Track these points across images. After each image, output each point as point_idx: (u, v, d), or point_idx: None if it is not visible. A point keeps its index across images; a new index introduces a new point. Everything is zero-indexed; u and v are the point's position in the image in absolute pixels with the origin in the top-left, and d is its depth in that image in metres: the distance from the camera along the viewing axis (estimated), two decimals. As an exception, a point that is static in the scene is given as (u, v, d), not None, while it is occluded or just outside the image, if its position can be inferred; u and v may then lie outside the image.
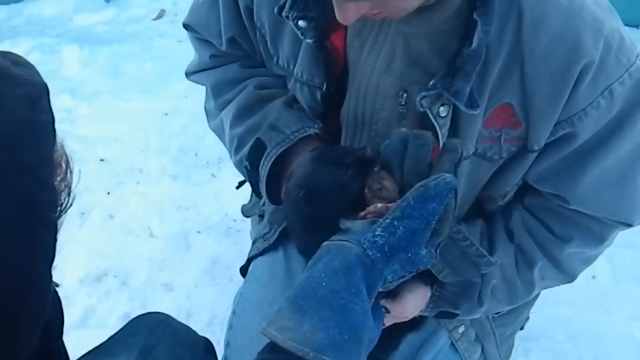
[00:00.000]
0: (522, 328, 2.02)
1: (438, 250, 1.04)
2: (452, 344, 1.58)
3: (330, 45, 1.32)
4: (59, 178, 0.78)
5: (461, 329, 1.58)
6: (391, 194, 1.06)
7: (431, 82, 1.19)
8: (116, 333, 1.43)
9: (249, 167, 1.41)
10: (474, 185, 1.36)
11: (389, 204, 1.02)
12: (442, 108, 1.21)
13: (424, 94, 1.20)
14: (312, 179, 1.14)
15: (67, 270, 2.53)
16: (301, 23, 1.27)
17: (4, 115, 0.68)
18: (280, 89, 1.49)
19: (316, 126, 1.39)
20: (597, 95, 1.19)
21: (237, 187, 1.84)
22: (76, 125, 3.30)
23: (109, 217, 2.83)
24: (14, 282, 0.71)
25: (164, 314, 1.49)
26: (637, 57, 1.22)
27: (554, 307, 2.45)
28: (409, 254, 0.98)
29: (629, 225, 1.39)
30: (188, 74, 1.68)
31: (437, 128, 1.23)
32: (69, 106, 3.41)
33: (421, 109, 1.21)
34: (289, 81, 1.46)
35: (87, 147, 3.14)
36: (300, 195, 1.15)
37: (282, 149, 1.35)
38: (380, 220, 0.98)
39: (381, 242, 0.96)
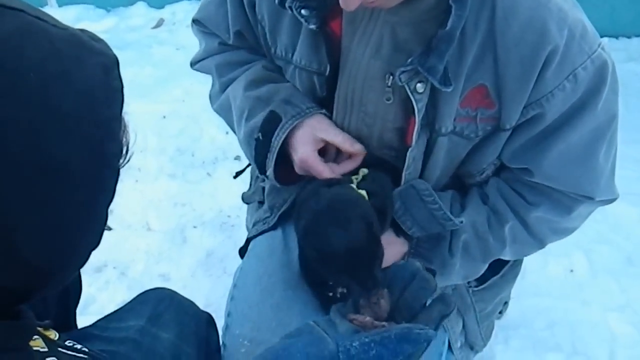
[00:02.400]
0: (500, 313, 2.10)
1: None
2: None
3: (331, 30, 1.41)
4: (124, 137, 0.89)
5: None
6: (382, 311, 1.18)
7: (409, 60, 1.29)
8: (126, 304, 1.53)
9: (260, 138, 1.49)
10: (451, 161, 1.46)
11: (376, 322, 1.13)
12: (419, 85, 1.31)
13: (402, 69, 1.29)
14: (323, 243, 1.24)
15: None
16: (304, 12, 1.37)
17: (85, 78, 0.79)
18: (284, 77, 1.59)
19: (323, 110, 1.50)
20: (563, 79, 1.29)
21: (235, 177, 1.91)
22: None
23: (109, 212, 2.88)
24: (81, 215, 0.82)
25: (169, 289, 1.59)
26: (598, 45, 1.32)
27: (533, 298, 2.55)
28: None
29: (592, 199, 1.49)
30: (193, 63, 1.77)
31: (414, 102, 1.33)
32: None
33: (399, 83, 1.31)
34: (287, 70, 1.55)
35: (88, 147, 3.19)
36: (314, 257, 1.28)
37: (298, 121, 1.46)
38: (362, 335, 1.08)
39: (353, 353, 1.05)
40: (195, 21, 1.71)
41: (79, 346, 1.05)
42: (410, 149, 1.41)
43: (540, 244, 1.59)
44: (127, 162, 0.91)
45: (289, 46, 1.50)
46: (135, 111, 3.19)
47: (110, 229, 0.98)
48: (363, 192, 1.35)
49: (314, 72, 1.48)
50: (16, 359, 0.82)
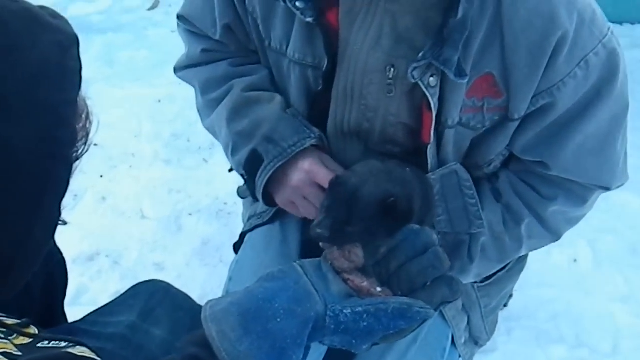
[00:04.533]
0: (505, 305, 2.07)
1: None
2: (440, 312, 1.62)
3: (328, 22, 1.36)
4: (80, 124, 0.83)
5: None
6: (357, 262, 1.09)
7: (421, 54, 1.24)
8: (117, 297, 1.48)
9: (245, 176, 1.47)
10: (459, 152, 1.41)
11: (372, 288, 1.05)
12: (432, 78, 1.27)
13: (414, 65, 1.25)
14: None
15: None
16: (299, 4, 1.32)
17: (38, 57, 0.74)
18: (267, 91, 1.53)
19: (312, 135, 1.44)
20: (574, 66, 1.25)
21: (230, 171, 1.88)
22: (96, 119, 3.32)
23: (102, 199, 2.86)
24: (26, 207, 0.76)
25: (164, 281, 1.54)
26: (608, 29, 1.28)
27: (536, 289, 2.50)
28: (354, 341, 1.01)
29: (608, 189, 1.47)
30: (177, 70, 1.71)
31: (429, 97, 1.28)
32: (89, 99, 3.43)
33: (413, 81, 1.27)
34: (282, 64, 1.49)
35: (81, 132, 3.16)
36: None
37: (280, 163, 1.41)
38: (356, 301, 1.02)
39: (342, 320, 0.99)
40: (180, 18, 1.65)
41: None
42: (429, 146, 1.36)
43: (556, 236, 1.56)
44: (84, 153, 0.84)
45: (283, 38, 1.45)
46: (130, 95, 3.18)
47: (65, 223, 0.93)
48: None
49: (308, 65, 1.43)
50: None
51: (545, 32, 1.22)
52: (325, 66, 1.39)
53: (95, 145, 3.05)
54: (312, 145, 1.44)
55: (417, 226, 1.10)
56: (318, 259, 1.11)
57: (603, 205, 2.83)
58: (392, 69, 1.32)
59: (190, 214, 2.82)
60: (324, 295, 1.02)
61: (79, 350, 0.93)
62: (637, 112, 3.50)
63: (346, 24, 1.35)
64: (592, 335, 2.37)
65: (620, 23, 4.27)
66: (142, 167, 3.06)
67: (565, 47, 1.23)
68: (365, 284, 1.05)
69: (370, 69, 1.35)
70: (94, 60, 3.77)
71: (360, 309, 1.00)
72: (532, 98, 1.30)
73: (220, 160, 2.97)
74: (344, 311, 1.00)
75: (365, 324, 0.99)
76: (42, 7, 0.81)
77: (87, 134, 0.85)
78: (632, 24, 4.32)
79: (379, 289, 1.05)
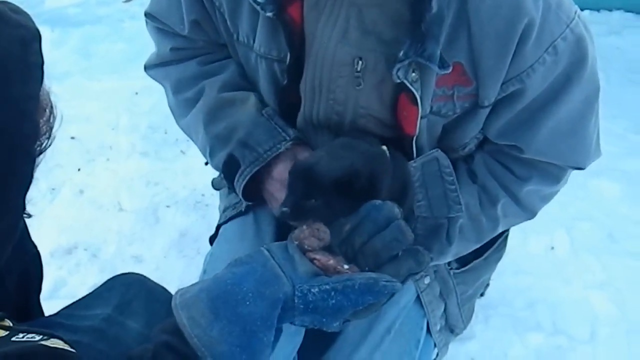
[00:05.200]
0: (482, 294, 2.08)
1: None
2: (417, 298, 1.63)
3: (289, 17, 1.35)
4: (43, 119, 0.83)
5: (427, 280, 1.63)
6: (324, 239, 1.10)
7: (402, 53, 1.24)
8: (94, 290, 1.47)
9: (224, 179, 1.49)
10: (432, 139, 1.42)
11: (338, 266, 1.05)
12: (413, 74, 1.27)
13: (398, 66, 1.25)
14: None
15: (38, 244, 2.52)
16: None
17: None
18: (240, 90, 1.53)
19: (287, 138, 1.44)
20: (542, 52, 1.26)
21: (207, 164, 1.89)
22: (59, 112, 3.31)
23: (80, 192, 2.85)
24: None
25: (140, 274, 1.53)
26: (575, 13, 1.29)
27: (513, 276, 2.52)
28: (324, 319, 1.02)
29: (581, 168, 1.49)
30: (147, 68, 1.70)
31: (415, 93, 1.28)
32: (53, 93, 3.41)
33: (398, 81, 1.27)
34: (250, 58, 1.49)
35: (58, 125, 3.14)
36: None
37: (256, 168, 1.42)
38: (323, 279, 1.02)
39: (311, 299, 1.00)
40: (147, 15, 1.63)
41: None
42: (416, 138, 1.37)
43: (532, 214, 1.58)
44: (48, 146, 0.84)
45: (250, 32, 1.44)
46: (107, 88, 3.16)
47: (30, 216, 0.93)
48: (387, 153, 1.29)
49: (274, 59, 1.43)
50: None
51: (511, 20, 1.22)
52: (288, 60, 1.39)
53: (73, 138, 3.06)
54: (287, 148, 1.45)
55: (379, 201, 1.11)
56: (285, 241, 1.12)
57: (580, 192, 2.86)
58: (360, 62, 1.32)
59: (167, 206, 2.82)
60: (291, 276, 1.02)
61: (52, 343, 0.93)
62: (615, 99, 3.56)
63: (312, 18, 1.34)
64: (569, 322, 2.38)
65: (598, 10, 4.30)
66: (119, 159, 3.05)
67: (532, 34, 1.23)
68: (331, 261, 1.06)
69: (338, 62, 1.35)
70: (71, 53, 3.76)
71: (327, 286, 1.00)
72: (501, 85, 1.30)
73: (197, 152, 2.92)
74: (312, 290, 1.00)
75: (333, 301, 1.00)
76: (3, 2, 0.80)
77: (51, 128, 0.84)
78: (609, 10, 4.35)
79: (346, 267, 1.05)
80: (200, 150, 1.60)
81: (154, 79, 1.71)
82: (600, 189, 2.94)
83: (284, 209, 1.15)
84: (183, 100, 1.59)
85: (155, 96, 3.36)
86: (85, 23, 4.03)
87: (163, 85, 1.68)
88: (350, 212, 1.11)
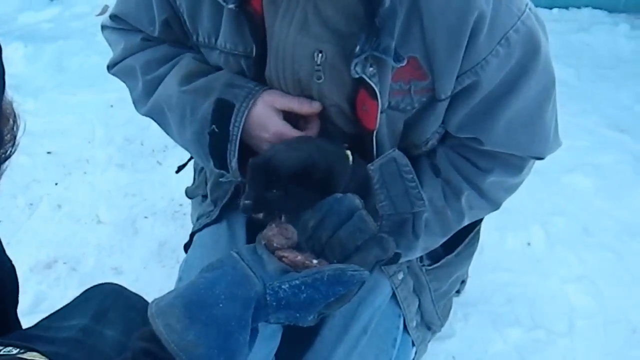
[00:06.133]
0: (458, 292, 2.10)
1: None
2: (391, 298, 1.64)
3: (252, 8, 1.35)
4: (7, 127, 0.83)
5: (400, 276, 1.64)
6: (292, 238, 1.11)
7: (358, 48, 1.25)
8: (71, 301, 1.47)
9: (216, 130, 1.40)
10: (393, 135, 1.43)
11: (307, 261, 1.06)
12: (371, 69, 1.28)
13: (355, 61, 1.25)
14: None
15: (17, 260, 2.49)
16: None
17: None
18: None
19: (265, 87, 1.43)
20: (495, 44, 1.27)
21: (177, 172, 1.87)
22: (22, 120, 3.29)
23: (57, 207, 2.85)
24: None
25: (117, 284, 1.53)
26: (526, 6, 1.31)
27: (491, 273, 2.55)
28: (298, 314, 1.03)
29: (541, 158, 1.51)
30: (110, 66, 1.66)
31: (374, 87, 1.29)
32: (15, 102, 3.40)
33: (356, 76, 1.27)
34: (211, 58, 1.48)
35: (34, 140, 3.16)
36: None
37: (252, 101, 1.38)
38: (292, 275, 1.03)
39: (282, 295, 1.01)
40: (113, 17, 1.61)
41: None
42: (376, 132, 1.38)
43: (496, 205, 1.59)
44: (12, 154, 0.85)
45: (212, 31, 1.43)
46: (82, 101, 3.16)
47: None
48: (349, 155, 1.31)
49: (241, 55, 1.42)
50: None
51: (462, 13, 1.24)
52: (255, 53, 1.39)
53: (49, 153, 3.06)
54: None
55: (340, 194, 1.13)
56: (253, 244, 1.13)
57: (554, 188, 2.90)
58: (320, 55, 1.32)
59: (146, 217, 2.82)
60: (262, 275, 1.04)
61: (30, 356, 0.94)
62: (585, 95, 3.60)
63: (270, 11, 1.35)
64: (548, 317, 2.41)
65: (567, 7, 4.36)
66: (96, 172, 3.05)
67: (484, 27, 1.25)
68: (299, 257, 1.07)
69: (298, 56, 1.35)
70: (45, 69, 3.76)
71: (297, 281, 1.02)
72: (457, 78, 1.31)
73: (174, 162, 2.97)
74: (282, 286, 1.01)
75: (304, 295, 1.01)
76: None
77: (15, 137, 0.85)
78: (578, 7, 4.41)
79: (315, 261, 1.07)
80: (175, 122, 1.51)
81: (117, 74, 1.66)
82: (573, 184, 2.98)
83: (246, 201, 1.16)
84: (153, 78, 1.54)
85: (130, 108, 3.26)
86: (59, 38, 4.03)
87: (127, 79, 1.64)
88: (310, 203, 1.14)
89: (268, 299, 1.01)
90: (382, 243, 1.09)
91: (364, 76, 1.27)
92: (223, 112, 1.39)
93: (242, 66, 1.44)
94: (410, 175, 1.43)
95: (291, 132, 1.39)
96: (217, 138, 1.41)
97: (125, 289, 1.53)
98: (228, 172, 1.45)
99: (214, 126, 1.41)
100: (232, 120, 1.38)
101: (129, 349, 1.04)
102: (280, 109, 1.40)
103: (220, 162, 1.44)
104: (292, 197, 1.16)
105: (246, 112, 1.38)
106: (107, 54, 1.67)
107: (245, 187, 1.20)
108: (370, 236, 1.10)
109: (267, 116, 1.39)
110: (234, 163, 1.42)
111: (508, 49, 1.28)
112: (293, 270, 1.06)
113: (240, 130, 1.38)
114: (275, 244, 1.09)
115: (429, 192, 1.48)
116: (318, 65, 1.34)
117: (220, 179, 1.71)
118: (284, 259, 1.08)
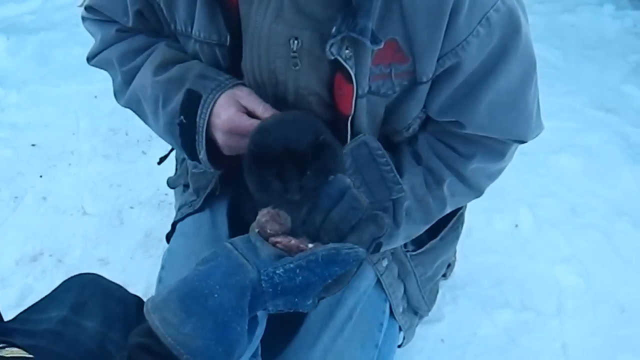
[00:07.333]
0: (445, 276, 2.09)
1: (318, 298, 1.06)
2: (376, 283, 1.64)
3: None
4: None
5: (384, 262, 1.64)
6: (285, 224, 1.09)
7: (334, 29, 1.23)
8: (49, 293, 1.48)
9: (184, 121, 1.39)
10: (374, 120, 1.41)
11: (301, 245, 1.05)
12: (347, 51, 1.26)
13: (331, 42, 1.23)
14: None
15: (3, 253, 2.54)
16: None
17: None
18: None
19: (242, 81, 1.41)
20: (476, 24, 1.26)
21: (159, 163, 1.86)
22: (6, 113, 3.30)
23: (42, 199, 2.83)
24: None
25: (95, 273, 1.54)
26: None
27: (479, 256, 2.55)
28: (296, 299, 1.02)
29: (524, 142, 1.49)
30: (89, 58, 1.66)
31: (349, 70, 1.27)
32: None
33: (332, 57, 1.25)
34: (188, 46, 1.47)
35: (18, 133, 3.15)
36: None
37: (219, 93, 1.36)
38: (287, 259, 1.02)
39: (278, 281, 1.00)
40: (88, 9, 1.60)
41: None
42: (350, 117, 1.36)
43: (479, 192, 1.59)
44: None
45: (187, 20, 1.42)
46: (66, 93, 3.14)
47: None
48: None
49: (214, 44, 1.41)
50: None
51: None
52: (229, 42, 1.38)
53: (33, 145, 3.04)
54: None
55: (330, 176, 1.12)
56: (247, 234, 1.11)
57: (541, 169, 2.90)
58: (296, 42, 1.30)
59: (131, 207, 2.80)
60: (256, 262, 1.02)
61: (8, 352, 0.93)
62: (571, 76, 3.60)
63: (245, 0, 1.33)
64: (537, 298, 2.42)
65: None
66: (81, 164, 3.03)
67: (463, 7, 1.23)
68: (293, 242, 1.06)
69: (274, 43, 1.33)
70: (27, 61, 3.73)
71: (291, 265, 1.00)
72: (438, 60, 1.30)
73: (159, 152, 2.93)
74: (277, 271, 1.00)
75: (300, 278, 1.00)
76: None
77: None
78: (563, -11, 4.37)
79: (310, 245, 1.05)
80: (150, 112, 1.51)
81: (98, 66, 1.66)
82: (560, 165, 2.98)
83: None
84: (130, 69, 1.54)
85: (114, 99, 3.33)
86: (41, 30, 3.98)
87: (108, 68, 1.63)
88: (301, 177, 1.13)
89: (264, 285, 1.00)
90: (376, 220, 1.08)
91: (339, 58, 1.26)
92: (191, 102, 1.39)
93: (217, 55, 1.43)
94: (383, 159, 1.41)
95: (242, 120, 1.36)
96: (186, 129, 1.41)
97: (104, 278, 1.52)
98: (200, 163, 1.44)
99: (182, 117, 1.40)
100: (199, 111, 1.37)
101: (124, 347, 1.03)
102: (244, 105, 1.38)
103: (192, 153, 1.43)
104: (285, 173, 1.14)
105: (212, 104, 1.37)
106: (90, 45, 1.66)
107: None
108: (364, 214, 1.09)
109: (224, 106, 1.37)
110: (202, 154, 1.41)
111: (488, 29, 1.27)
112: (288, 255, 1.05)
113: (206, 120, 1.37)
114: (268, 230, 1.07)
115: (411, 180, 1.47)
116: (294, 52, 1.32)
117: (194, 170, 1.71)
118: (278, 244, 1.06)
